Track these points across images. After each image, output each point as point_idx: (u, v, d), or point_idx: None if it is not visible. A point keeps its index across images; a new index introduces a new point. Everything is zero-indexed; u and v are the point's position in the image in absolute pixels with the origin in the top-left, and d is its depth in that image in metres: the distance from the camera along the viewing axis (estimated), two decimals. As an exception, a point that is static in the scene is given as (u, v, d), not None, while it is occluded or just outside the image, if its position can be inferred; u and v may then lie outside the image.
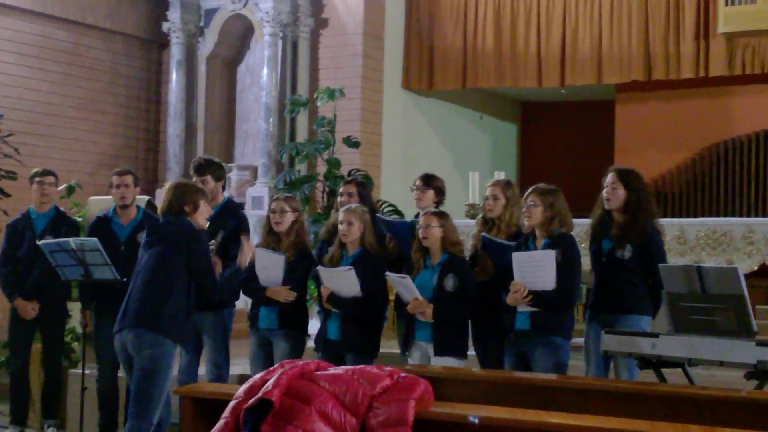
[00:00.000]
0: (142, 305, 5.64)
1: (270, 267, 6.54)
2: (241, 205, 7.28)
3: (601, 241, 6.29)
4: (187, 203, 5.85)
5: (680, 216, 12.64)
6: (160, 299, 5.64)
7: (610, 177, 6.26)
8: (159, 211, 5.98)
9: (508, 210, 6.41)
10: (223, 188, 7.01)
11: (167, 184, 6.05)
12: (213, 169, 6.86)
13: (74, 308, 7.80)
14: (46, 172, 7.65)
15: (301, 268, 6.62)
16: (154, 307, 5.63)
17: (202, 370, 6.93)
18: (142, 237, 6.17)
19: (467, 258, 6.38)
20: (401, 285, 6.21)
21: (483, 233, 6.36)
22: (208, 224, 6.06)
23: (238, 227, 6.78)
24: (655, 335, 5.73)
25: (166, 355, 5.67)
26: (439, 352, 6.11)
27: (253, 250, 6.38)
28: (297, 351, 6.55)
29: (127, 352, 5.72)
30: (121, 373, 6.73)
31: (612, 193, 6.22)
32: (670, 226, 9.01)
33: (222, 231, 6.58)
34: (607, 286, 6.13)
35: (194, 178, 6.88)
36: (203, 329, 6.78)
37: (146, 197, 7.95)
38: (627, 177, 6.23)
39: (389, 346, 7.18)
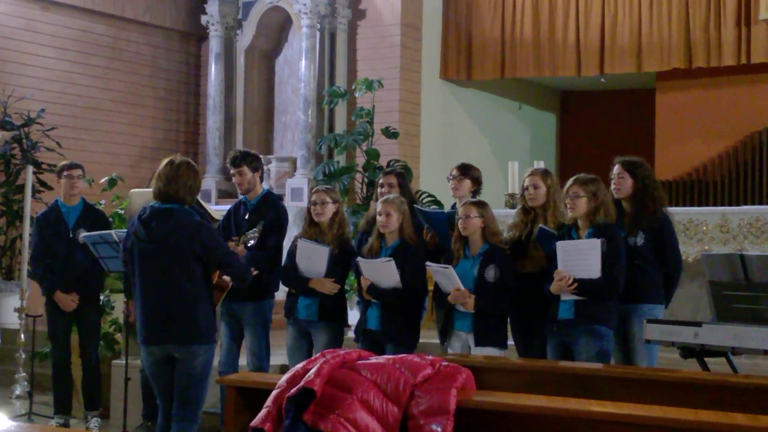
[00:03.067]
0: (182, 320, 5.46)
1: (313, 258, 6.55)
2: (281, 197, 7.27)
3: None
4: (190, 191, 5.60)
5: (722, 205, 12.52)
6: (198, 310, 5.48)
7: (616, 168, 6.32)
8: (155, 195, 5.66)
9: (551, 199, 6.38)
10: (261, 179, 7.04)
11: (163, 163, 5.64)
12: (249, 160, 6.89)
13: (117, 299, 7.85)
14: (73, 165, 7.66)
15: (342, 260, 6.64)
16: (195, 320, 5.47)
17: (242, 360, 6.97)
18: None
19: (507, 248, 6.35)
20: (443, 275, 6.19)
21: (541, 225, 6.28)
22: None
23: (278, 218, 6.82)
24: (698, 324, 5.70)
25: (211, 358, 5.68)
26: (480, 343, 6.10)
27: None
28: (336, 342, 6.57)
29: (168, 357, 5.55)
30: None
31: (619, 183, 6.27)
32: (711, 214, 8.96)
33: (262, 222, 6.61)
34: None
35: (231, 171, 6.92)
36: (243, 320, 6.82)
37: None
38: (632, 166, 6.27)
39: (429, 336, 7.18)
